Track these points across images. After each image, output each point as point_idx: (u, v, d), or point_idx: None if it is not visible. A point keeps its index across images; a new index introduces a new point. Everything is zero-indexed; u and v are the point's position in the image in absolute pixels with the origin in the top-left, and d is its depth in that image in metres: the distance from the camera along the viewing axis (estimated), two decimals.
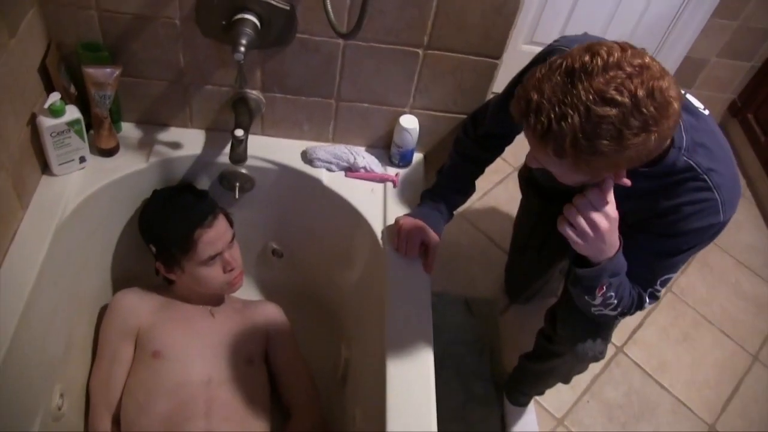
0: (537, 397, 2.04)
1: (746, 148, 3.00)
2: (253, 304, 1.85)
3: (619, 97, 0.93)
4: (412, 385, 1.37)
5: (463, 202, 1.67)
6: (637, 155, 0.99)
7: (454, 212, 1.64)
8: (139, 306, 1.67)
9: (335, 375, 1.83)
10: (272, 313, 1.82)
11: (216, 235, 1.59)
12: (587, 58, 0.95)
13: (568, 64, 0.95)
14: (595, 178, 1.09)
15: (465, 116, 1.69)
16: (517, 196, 1.96)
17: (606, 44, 0.96)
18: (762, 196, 2.89)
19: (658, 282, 1.32)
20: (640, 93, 0.93)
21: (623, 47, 0.96)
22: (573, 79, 0.95)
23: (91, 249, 1.65)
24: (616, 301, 1.30)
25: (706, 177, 1.18)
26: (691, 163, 1.17)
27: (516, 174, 2.57)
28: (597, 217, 1.13)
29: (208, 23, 1.47)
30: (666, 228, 1.24)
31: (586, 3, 2.61)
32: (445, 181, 1.63)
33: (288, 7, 1.44)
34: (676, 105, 0.96)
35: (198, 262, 1.59)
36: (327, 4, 1.36)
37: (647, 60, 0.96)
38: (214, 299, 1.75)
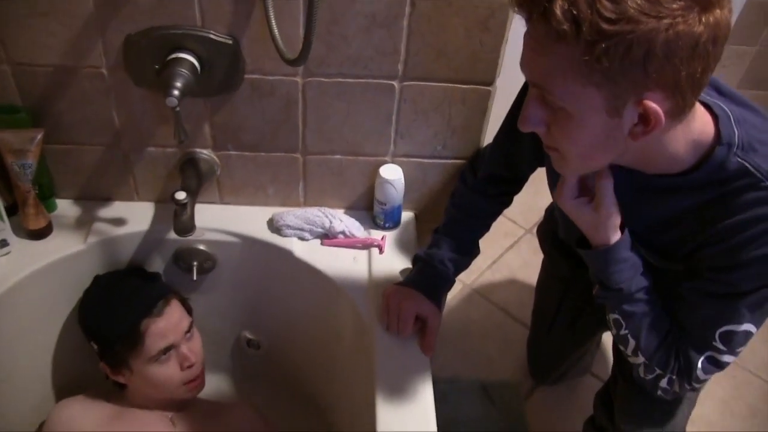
0: None
1: None
2: (225, 406, 1.59)
3: None
4: None
5: (467, 265, 1.40)
6: (668, 70, 0.76)
7: (461, 284, 1.38)
8: (81, 420, 1.40)
9: None
10: (248, 416, 1.55)
11: (168, 324, 1.36)
12: None
13: None
14: (609, 96, 0.80)
15: (458, 161, 1.44)
16: (531, 260, 1.70)
17: None
18: None
19: (716, 337, 1.01)
20: None
21: None
22: None
23: (17, 353, 1.41)
24: (630, 339, 1.09)
25: None
26: (747, 165, 0.90)
27: (529, 237, 2.37)
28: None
29: (140, 69, 1.26)
30: (720, 258, 0.96)
31: None
32: (443, 240, 1.37)
33: (230, 41, 1.21)
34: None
35: (148, 359, 1.35)
36: (273, 29, 1.13)
37: None
38: (176, 404, 1.48)
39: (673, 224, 1.00)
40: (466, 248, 1.39)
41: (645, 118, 0.81)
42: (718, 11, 0.74)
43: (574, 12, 0.72)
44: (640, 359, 1.10)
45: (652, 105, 0.79)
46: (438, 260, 1.34)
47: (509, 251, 2.39)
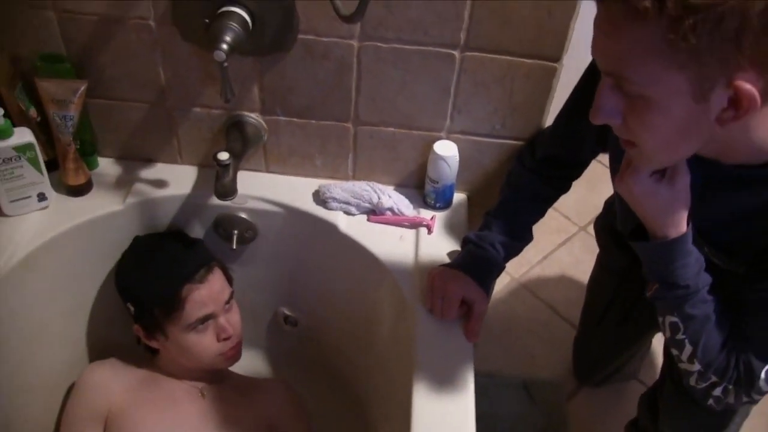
0: None
1: None
2: (258, 382, 1.55)
3: None
4: None
5: (518, 251, 1.33)
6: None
7: (509, 277, 1.31)
8: (111, 383, 1.39)
9: None
10: (281, 395, 1.51)
11: (209, 293, 1.32)
12: None
13: None
14: (696, 78, 0.72)
15: (517, 143, 1.36)
16: (583, 259, 1.63)
17: None
18: None
19: None
20: None
21: None
22: None
23: (51, 310, 1.38)
24: (688, 343, 1.01)
25: None
26: None
27: (582, 234, 2.32)
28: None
29: (189, 23, 1.21)
30: None
31: None
32: (495, 222, 1.30)
33: None
34: None
35: (185, 327, 1.31)
36: None
37: None
38: (208, 375, 1.45)
39: (744, 221, 0.93)
40: (519, 232, 1.32)
41: (736, 102, 0.73)
42: None
43: None
44: (696, 367, 1.02)
45: (746, 86, 0.70)
46: (489, 243, 1.27)
47: (561, 248, 2.34)
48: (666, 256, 0.97)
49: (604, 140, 1.10)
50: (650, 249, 0.99)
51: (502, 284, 2.14)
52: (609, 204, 1.54)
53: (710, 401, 1.05)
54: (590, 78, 1.08)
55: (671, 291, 0.99)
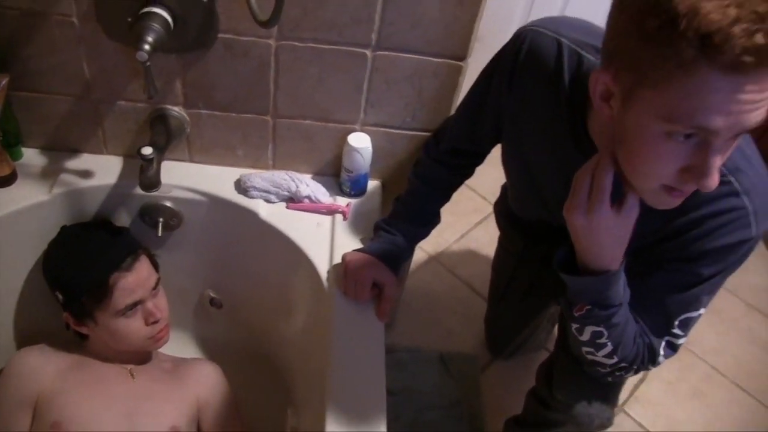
0: None
1: None
2: (186, 363, 1.58)
3: None
4: None
5: (425, 234, 1.41)
6: None
7: (427, 255, 1.37)
8: (40, 368, 1.40)
9: None
10: (208, 374, 1.55)
11: (137, 280, 1.36)
12: None
13: None
14: None
15: (426, 134, 1.45)
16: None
17: None
18: None
19: (676, 324, 1.05)
20: None
21: None
22: None
23: None
24: (610, 345, 1.05)
25: (732, 179, 0.91)
26: None
27: None
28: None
29: (112, 21, 1.24)
30: (682, 249, 0.98)
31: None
32: (404, 209, 1.38)
33: None
34: None
35: (114, 313, 1.35)
36: None
37: None
38: (137, 357, 1.49)
39: (640, 222, 0.96)
40: (426, 218, 1.40)
41: None
42: None
43: None
44: (611, 361, 1.08)
45: None
46: (397, 229, 1.35)
47: (477, 227, 2.39)
48: (606, 286, 0.99)
49: (500, 132, 1.19)
50: (591, 282, 0.99)
51: (420, 262, 2.20)
52: (505, 188, 1.61)
53: (610, 378, 1.15)
54: (487, 81, 1.17)
55: (605, 311, 1.01)
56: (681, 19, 0.67)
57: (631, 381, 2.02)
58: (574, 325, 1.08)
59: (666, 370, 2.07)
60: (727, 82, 0.70)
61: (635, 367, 1.10)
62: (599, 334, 1.04)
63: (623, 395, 1.97)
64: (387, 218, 1.39)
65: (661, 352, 1.08)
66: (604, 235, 0.93)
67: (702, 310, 1.06)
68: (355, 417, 1.15)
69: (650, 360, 1.08)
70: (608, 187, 0.89)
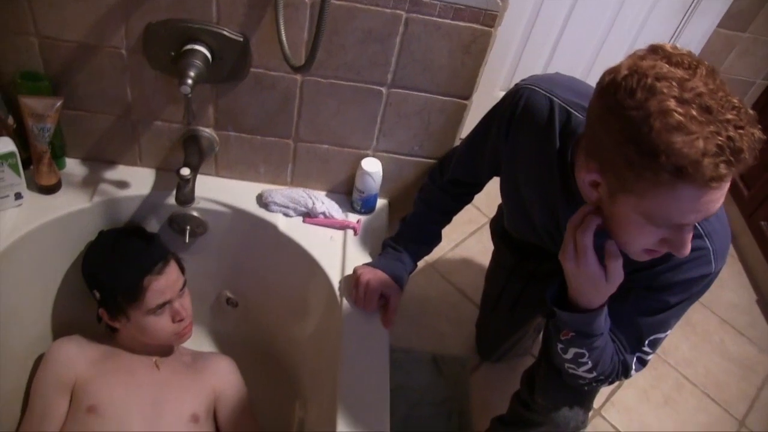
0: None
1: (729, 203, 2.92)
2: (203, 356, 1.73)
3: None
4: None
5: (428, 252, 1.57)
6: None
7: (424, 262, 1.52)
8: (76, 356, 1.54)
9: None
10: (223, 367, 1.70)
11: (167, 283, 1.49)
12: (703, 88, 0.85)
13: (703, 102, 0.84)
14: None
15: (431, 161, 1.60)
16: (491, 248, 1.85)
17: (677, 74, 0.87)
18: (746, 252, 2.80)
19: (646, 343, 1.21)
20: None
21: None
22: (711, 109, 0.84)
23: (24, 294, 1.53)
24: (590, 363, 1.19)
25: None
26: None
27: None
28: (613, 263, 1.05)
29: (157, 54, 1.38)
30: (652, 280, 1.14)
31: (566, 49, 2.51)
32: (409, 230, 1.54)
33: (241, 39, 1.35)
34: None
35: (145, 311, 1.49)
36: (282, 35, 1.27)
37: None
38: (161, 349, 1.63)
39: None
40: (428, 238, 1.56)
41: None
42: None
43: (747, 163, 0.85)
44: (590, 376, 1.23)
45: None
46: (402, 247, 1.50)
47: (471, 237, 2.51)
48: (591, 320, 1.13)
49: (498, 168, 1.34)
50: (578, 317, 1.13)
51: (417, 269, 2.24)
52: (501, 209, 1.74)
53: (586, 387, 1.30)
54: (487, 127, 1.33)
55: (588, 339, 1.15)
56: (660, 155, 0.84)
57: (608, 387, 2.14)
58: (560, 345, 1.21)
59: (641, 378, 2.20)
60: (698, 194, 0.87)
61: (610, 379, 1.25)
62: (581, 355, 1.18)
63: (600, 400, 2.12)
64: (394, 236, 1.53)
65: (633, 366, 1.23)
66: (590, 284, 1.08)
67: (669, 332, 1.22)
68: (362, 411, 1.29)
69: (623, 373, 1.24)
70: (589, 244, 1.03)
